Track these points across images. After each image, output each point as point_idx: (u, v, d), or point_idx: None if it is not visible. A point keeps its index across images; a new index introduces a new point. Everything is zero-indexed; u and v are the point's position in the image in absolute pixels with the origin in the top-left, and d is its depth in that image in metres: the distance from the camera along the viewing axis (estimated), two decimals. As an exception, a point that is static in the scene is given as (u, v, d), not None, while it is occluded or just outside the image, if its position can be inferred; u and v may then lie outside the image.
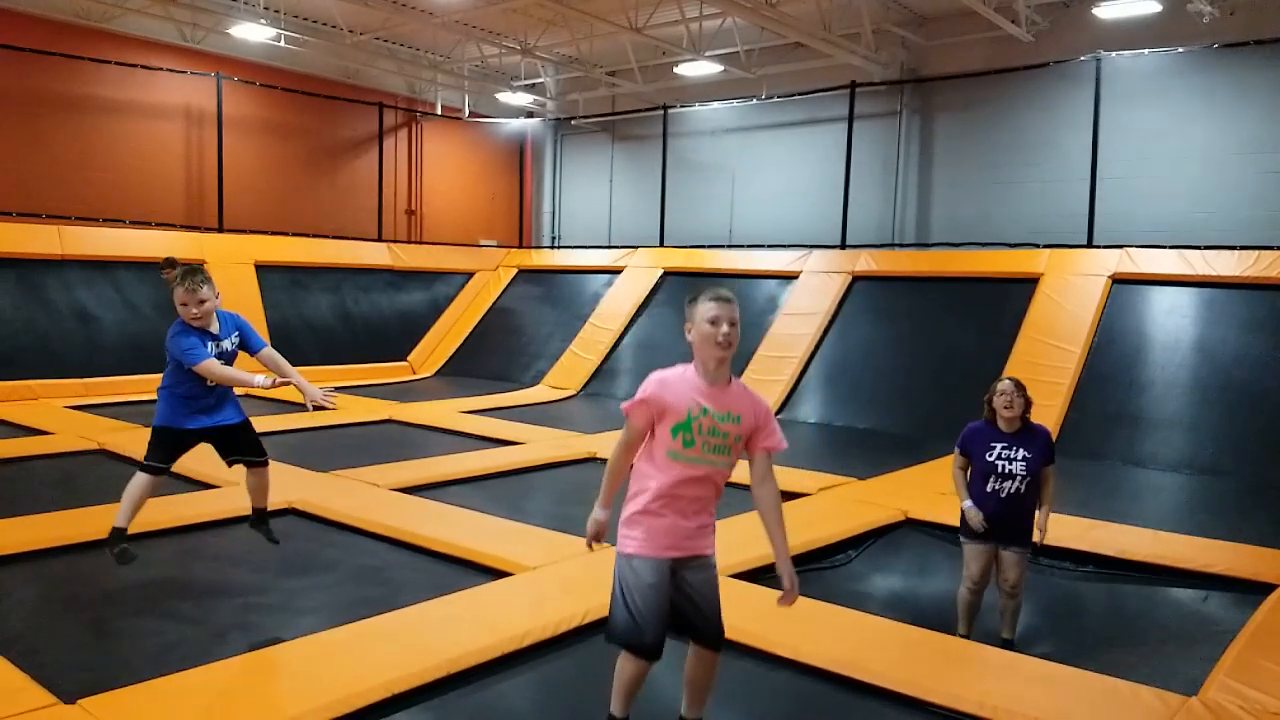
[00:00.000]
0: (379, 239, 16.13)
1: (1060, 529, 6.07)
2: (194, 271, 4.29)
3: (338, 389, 12.24)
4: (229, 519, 5.85)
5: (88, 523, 5.58)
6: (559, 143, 19.26)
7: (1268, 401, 8.75)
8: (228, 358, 4.33)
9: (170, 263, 10.30)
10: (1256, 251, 9.84)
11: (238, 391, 4.57)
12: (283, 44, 14.42)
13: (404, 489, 6.81)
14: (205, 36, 14.30)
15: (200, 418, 4.33)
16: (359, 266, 15.01)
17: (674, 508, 3.15)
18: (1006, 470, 4.60)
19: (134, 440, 7.89)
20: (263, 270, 13.62)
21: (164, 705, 3.39)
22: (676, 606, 3.24)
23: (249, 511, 5.91)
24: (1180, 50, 11.75)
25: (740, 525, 6.07)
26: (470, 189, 18.68)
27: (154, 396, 4.49)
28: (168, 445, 4.23)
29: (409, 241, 16.98)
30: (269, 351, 4.60)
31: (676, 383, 3.14)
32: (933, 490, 7.16)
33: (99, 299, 12.02)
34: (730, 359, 3.18)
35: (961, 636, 4.64)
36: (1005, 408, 4.68)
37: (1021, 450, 4.62)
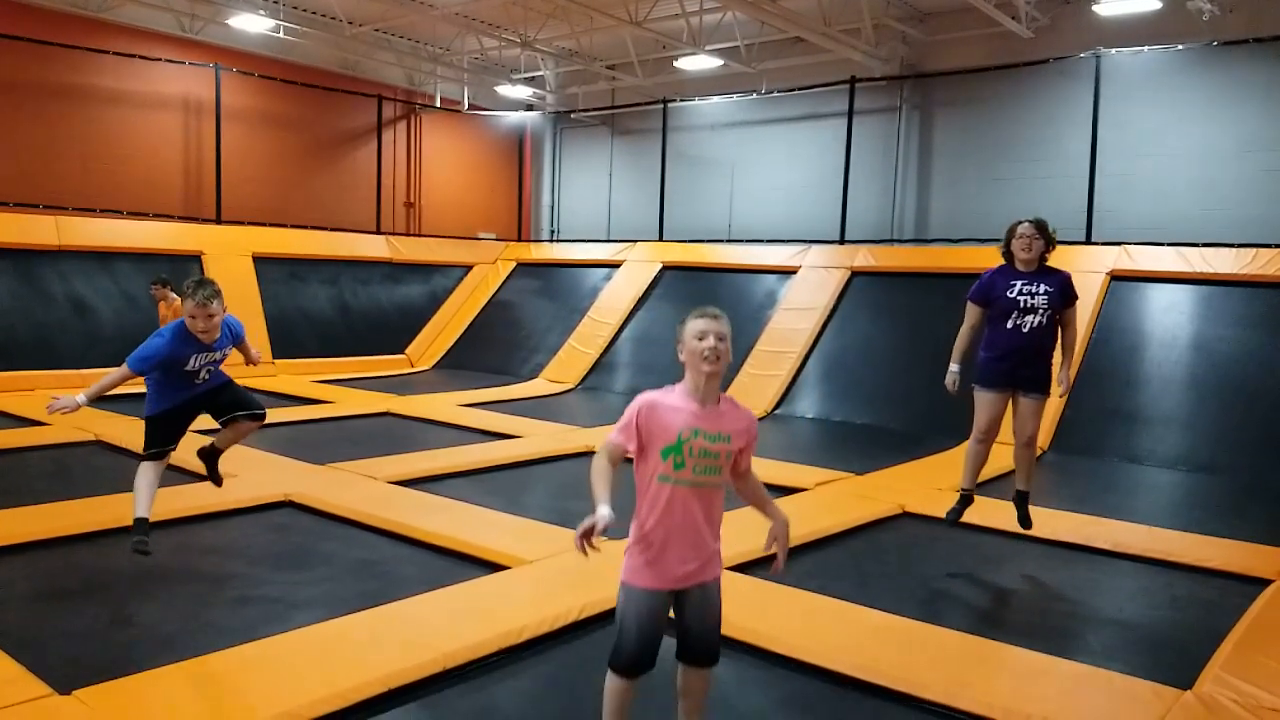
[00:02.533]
0: (377, 231, 16.12)
1: (1056, 523, 6.09)
2: (204, 284, 4.24)
3: (336, 381, 12.29)
4: (226, 511, 5.85)
5: (83, 514, 5.58)
6: (558, 136, 19.24)
7: (1265, 399, 8.77)
8: (215, 364, 4.32)
9: (162, 280, 10.23)
10: (1255, 249, 9.84)
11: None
12: (281, 35, 14.39)
13: (401, 482, 6.80)
14: (204, 27, 14.27)
15: (184, 393, 4.31)
16: (357, 259, 14.99)
17: (673, 534, 3.11)
18: (1029, 304, 4.58)
19: (130, 431, 7.88)
20: (261, 262, 13.60)
21: (159, 697, 3.39)
22: (675, 622, 3.26)
23: (245, 503, 5.93)
24: (1180, 47, 11.75)
25: (736, 519, 6.07)
26: (469, 182, 18.66)
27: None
28: (164, 427, 4.22)
29: (407, 234, 16.97)
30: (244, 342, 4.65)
31: (666, 404, 3.12)
32: (930, 485, 7.17)
33: (96, 290, 12.00)
34: (720, 375, 3.17)
35: (964, 490, 4.63)
36: (1022, 250, 4.66)
37: (1043, 285, 4.61)
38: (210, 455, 4.46)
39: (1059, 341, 5.04)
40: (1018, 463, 4.73)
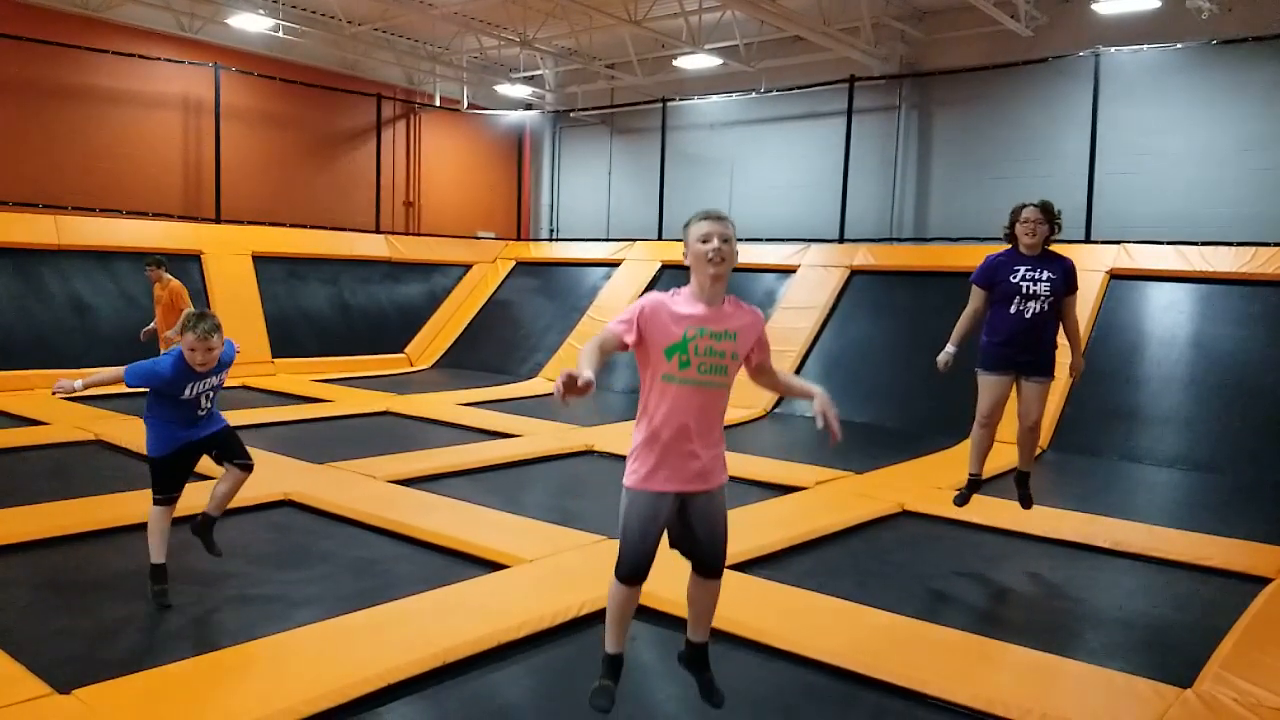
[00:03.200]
0: (377, 230, 16.11)
1: (1056, 522, 6.08)
2: (205, 318, 4.23)
3: (335, 380, 12.28)
4: (225, 510, 5.83)
5: (83, 513, 5.58)
6: (557, 135, 19.24)
7: (1264, 398, 8.76)
8: (213, 391, 4.31)
9: (157, 261, 10.27)
10: (1254, 248, 9.84)
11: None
12: (281, 34, 14.39)
13: (400, 481, 6.80)
14: (203, 26, 14.26)
15: (186, 441, 4.28)
16: (357, 258, 14.99)
17: (676, 437, 3.08)
18: (1031, 291, 4.60)
19: (129, 431, 7.89)
20: (260, 261, 13.59)
21: (159, 696, 3.39)
22: (680, 534, 3.23)
23: (245, 502, 5.91)
24: (1179, 46, 11.75)
25: (736, 517, 6.07)
26: (468, 181, 18.65)
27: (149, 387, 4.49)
28: (165, 472, 4.21)
29: (407, 233, 16.96)
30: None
31: (671, 304, 3.10)
32: (929, 483, 7.18)
33: (95, 289, 11.99)
34: (725, 277, 3.15)
35: (973, 476, 4.63)
36: (1026, 235, 4.67)
37: (1045, 271, 4.62)
38: (205, 528, 4.45)
39: (1061, 327, 5.05)
40: (1020, 445, 4.74)
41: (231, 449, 4.44)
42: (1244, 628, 4.32)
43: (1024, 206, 4.84)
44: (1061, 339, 5.20)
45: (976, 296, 4.92)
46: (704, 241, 3.11)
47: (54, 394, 4.22)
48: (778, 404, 11.01)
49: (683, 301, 3.13)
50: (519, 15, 14.31)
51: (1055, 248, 5.26)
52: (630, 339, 3.08)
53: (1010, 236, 4.80)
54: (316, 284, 14.32)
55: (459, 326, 15.17)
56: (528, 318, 14.91)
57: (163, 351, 9.76)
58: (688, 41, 13.92)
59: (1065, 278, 4.69)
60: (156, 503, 4.17)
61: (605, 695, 3.28)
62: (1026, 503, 5.54)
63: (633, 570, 3.16)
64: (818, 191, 14.77)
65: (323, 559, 5.23)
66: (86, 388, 4.23)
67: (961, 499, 5.59)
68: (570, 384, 2.72)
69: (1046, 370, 4.70)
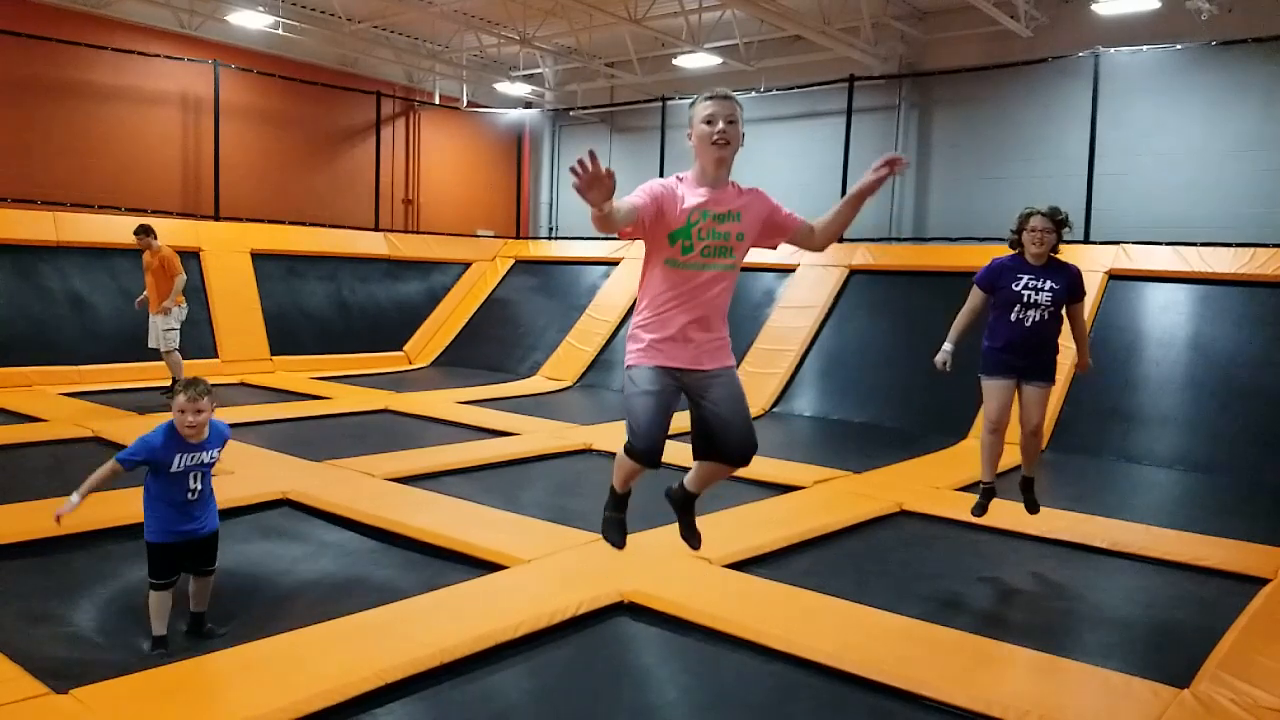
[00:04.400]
0: (376, 228, 16.09)
1: (1054, 522, 6.08)
2: (196, 383, 4.19)
3: (334, 378, 12.28)
4: (224, 509, 5.78)
5: (81, 512, 5.52)
6: (557, 133, 19.23)
7: (1262, 399, 8.77)
8: (204, 470, 4.23)
9: (145, 228, 10.32)
10: (1253, 249, 9.84)
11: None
12: (280, 31, 14.37)
13: (399, 479, 6.80)
14: (202, 23, 14.24)
15: (182, 534, 4.21)
16: (356, 256, 14.97)
17: (677, 318, 3.04)
18: (1032, 300, 4.58)
19: (127, 428, 7.89)
20: (259, 259, 13.57)
21: (157, 696, 3.39)
22: (702, 423, 3.18)
23: (243, 501, 5.92)
24: (1179, 47, 11.74)
25: (734, 517, 6.08)
26: (468, 179, 18.64)
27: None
28: (163, 560, 4.17)
29: (406, 231, 16.95)
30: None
31: (677, 189, 3.04)
32: (928, 483, 7.18)
33: (94, 286, 11.98)
34: (730, 160, 3.09)
35: (985, 485, 4.62)
36: (1034, 244, 4.64)
37: (1049, 281, 4.59)
38: (198, 627, 4.41)
39: (1063, 329, 5.03)
40: (1024, 451, 4.73)
41: (206, 558, 4.33)
42: (1241, 628, 4.33)
43: (1032, 214, 4.78)
44: (1066, 340, 5.17)
45: (975, 297, 4.91)
46: (708, 123, 3.04)
47: (57, 521, 4.11)
48: (776, 403, 11.02)
49: (687, 186, 3.06)
50: (519, 13, 14.30)
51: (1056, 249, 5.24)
52: (649, 213, 2.98)
53: (1016, 242, 4.75)
54: (315, 281, 14.31)
55: (458, 324, 15.16)
56: (527, 316, 14.90)
57: (151, 315, 9.78)
58: (687, 40, 13.91)
59: (1069, 287, 4.65)
60: (156, 588, 4.11)
61: (616, 528, 3.46)
62: (1033, 508, 5.53)
63: (643, 449, 3.09)
64: (817, 191, 14.72)
65: (321, 558, 5.23)
66: (84, 496, 4.14)
67: (980, 509, 5.51)
68: (593, 174, 2.60)
69: (1048, 375, 4.69)
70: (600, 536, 3.72)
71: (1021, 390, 4.66)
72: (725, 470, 3.29)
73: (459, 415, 9.76)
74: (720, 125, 3.00)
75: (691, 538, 3.63)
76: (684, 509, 3.56)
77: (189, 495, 4.12)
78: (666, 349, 3.04)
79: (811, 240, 3.24)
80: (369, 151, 16.66)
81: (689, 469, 3.60)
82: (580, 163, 2.59)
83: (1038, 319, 4.58)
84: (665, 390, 3.05)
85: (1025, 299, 4.58)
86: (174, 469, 4.08)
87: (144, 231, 9.80)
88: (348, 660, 3.66)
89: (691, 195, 3.03)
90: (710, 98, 3.11)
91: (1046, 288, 4.58)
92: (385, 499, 6.18)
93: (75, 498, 4.08)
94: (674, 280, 3.03)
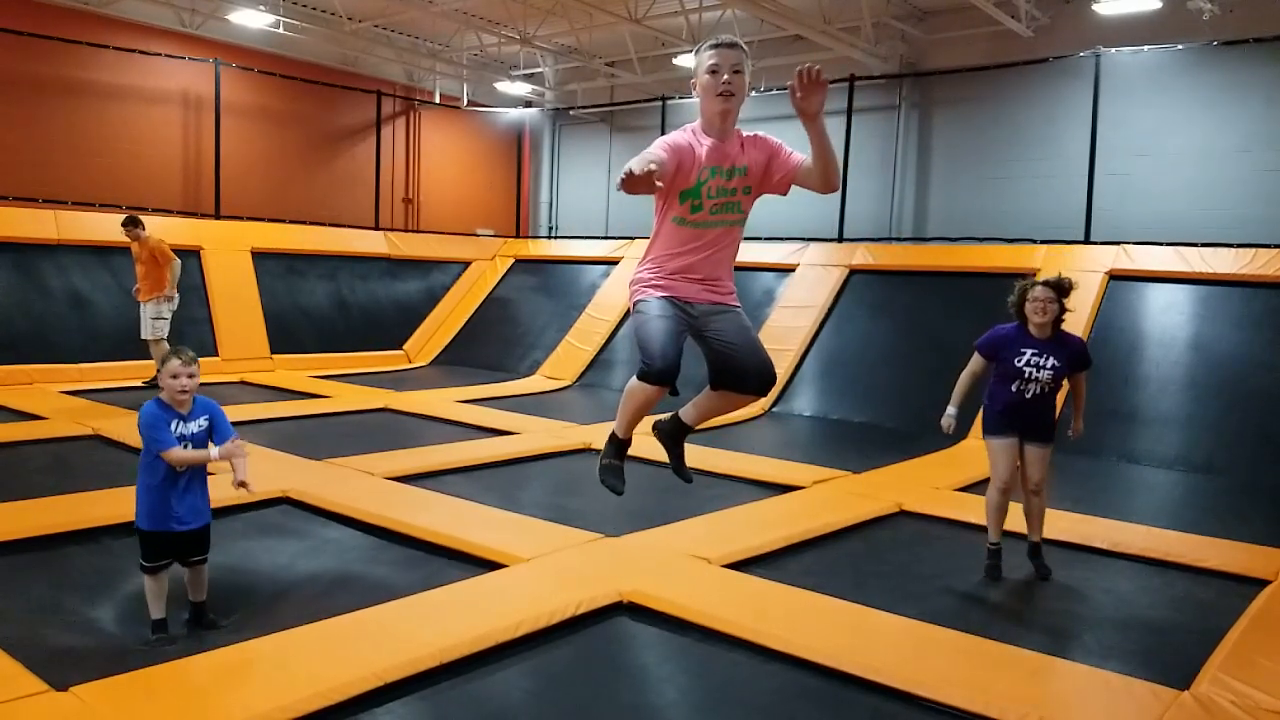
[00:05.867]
0: (376, 227, 16.09)
1: (1054, 522, 6.07)
2: (185, 350, 4.25)
3: (333, 377, 12.28)
4: (223, 507, 5.82)
5: (81, 509, 5.57)
6: (557, 133, 19.23)
7: (1263, 399, 8.76)
8: (195, 441, 4.25)
9: (132, 220, 10.34)
10: (1254, 249, 9.84)
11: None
12: (281, 30, 14.36)
13: (398, 478, 6.80)
14: (204, 22, 14.24)
15: (175, 524, 4.22)
16: (356, 254, 14.96)
17: (682, 269, 3.04)
18: (1034, 376, 4.54)
19: (128, 426, 7.85)
20: (259, 257, 13.57)
21: (156, 693, 3.39)
22: (713, 353, 3.14)
23: (239, 501, 5.90)
24: (1180, 47, 11.74)
25: (734, 517, 6.08)
26: (468, 178, 18.64)
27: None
28: (156, 548, 4.18)
29: (406, 230, 16.94)
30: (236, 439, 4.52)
31: (687, 144, 3.00)
32: (927, 483, 7.18)
33: (94, 284, 11.97)
34: (735, 111, 3.04)
35: (993, 545, 4.60)
36: (1036, 314, 4.58)
37: (1052, 359, 4.54)
38: (199, 617, 4.41)
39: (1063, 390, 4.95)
40: (1028, 513, 4.67)
41: (199, 548, 4.34)
42: (1242, 630, 4.33)
43: (1033, 285, 4.71)
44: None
45: (976, 363, 4.84)
46: (712, 73, 2.97)
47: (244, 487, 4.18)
48: (775, 403, 11.02)
49: (695, 141, 3.02)
50: (519, 13, 14.30)
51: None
52: (670, 168, 2.95)
53: (1018, 312, 4.68)
54: (315, 280, 14.30)
55: (457, 323, 15.15)
56: (526, 315, 14.90)
57: (143, 303, 9.81)
58: (688, 40, 13.91)
59: (1073, 361, 4.58)
60: (150, 571, 4.13)
61: (615, 474, 3.34)
62: (1044, 573, 5.35)
63: (660, 369, 2.99)
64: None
65: (320, 556, 5.23)
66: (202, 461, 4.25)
67: (994, 572, 5.26)
68: (639, 176, 2.69)
69: (1049, 436, 4.66)
70: (600, 536, 3.75)
71: (1023, 449, 4.63)
72: (740, 400, 3.22)
73: (458, 414, 9.75)
74: (725, 75, 2.95)
75: (683, 471, 3.49)
76: (676, 441, 3.42)
77: (179, 469, 4.15)
78: (674, 285, 3.05)
79: (812, 179, 3.20)
80: (369, 150, 16.66)
81: (661, 462, 3.54)
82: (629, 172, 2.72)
83: (1038, 392, 4.55)
84: (675, 316, 3.04)
85: (1027, 374, 4.53)
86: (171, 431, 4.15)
87: (131, 223, 9.81)
88: (347, 659, 3.66)
89: (700, 148, 3.00)
90: (716, 46, 3.01)
91: (1049, 365, 4.50)
92: (384, 497, 6.17)
93: (215, 451, 4.22)
94: (683, 237, 3.03)
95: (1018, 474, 4.61)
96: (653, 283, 3.10)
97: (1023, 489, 4.62)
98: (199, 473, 4.31)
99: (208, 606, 4.29)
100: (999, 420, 4.65)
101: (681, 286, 3.08)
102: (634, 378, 3.13)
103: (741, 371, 3.15)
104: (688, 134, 3.08)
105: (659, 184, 2.67)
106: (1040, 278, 4.76)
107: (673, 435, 3.43)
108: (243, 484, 4.19)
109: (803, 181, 3.20)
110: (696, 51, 3.07)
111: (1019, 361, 4.55)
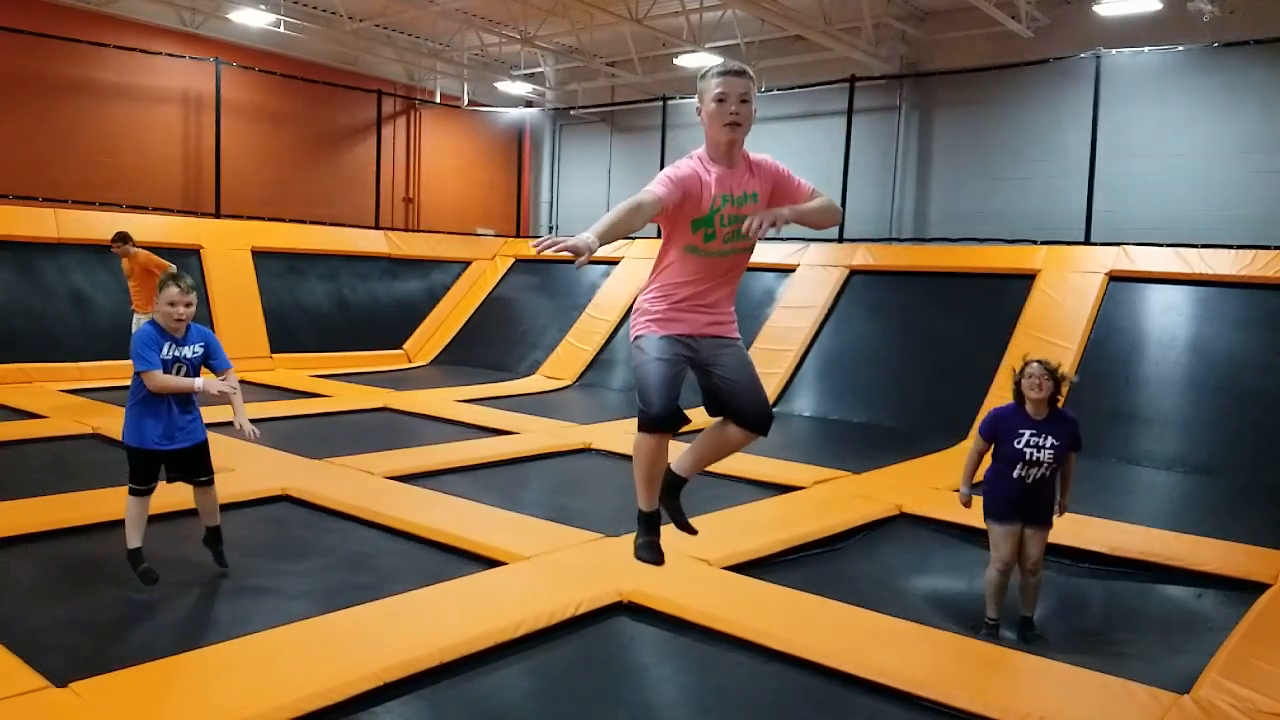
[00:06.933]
0: (376, 226, 16.09)
1: (1053, 525, 6.07)
2: (182, 275, 4.35)
3: (334, 376, 12.29)
4: (223, 505, 5.79)
5: (80, 506, 5.57)
6: (558, 132, 19.22)
7: (1263, 401, 8.76)
8: (189, 366, 4.32)
9: (122, 236, 10.34)
10: (1254, 251, 9.83)
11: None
12: (282, 30, 14.36)
13: (398, 477, 6.80)
14: (204, 21, 14.24)
15: (165, 441, 4.29)
16: (356, 254, 14.96)
17: (690, 298, 3.01)
18: (1035, 458, 4.59)
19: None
20: (259, 256, 13.57)
21: (155, 689, 3.39)
22: (713, 389, 3.11)
23: (242, 497, 5.93)
24: (1180, 48, 11.74)
25: (734, 517, 6.08)
26: (468, 178, 18.63)
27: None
28: (140, 465, 4.24)
29: (406, 229, 16.94)
30: (231, 375, 4.60)
31: (693, 174, 2.96)
32: (927, 484, 7.17)
33: (94, 283, 11.97)
34: (742, 139, 3.00)
35: (990, 621, 4.65)
36: (1032, 390, 4.65)
37: (1050, 438, 4.60)
38: (213, 540, 4.47)
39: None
40: (1023, 589, 4.76)
41: (196, 469, 4.41)
42: (1242, 633, 4.32)
43: (1029, 362, 4.82)
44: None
45: (979, 443, 4.93)
46: (720, 101, 2.93)
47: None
48: (775, 403, 11.00)
49: (704, 169, 2.98)
50: (520, 12, 14.29)
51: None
52: (674, 200, 2.91)
53: (1016, 392, 4.78)
54: (316, 279, 14.30)
55: (458, 323, 15.15)
56: (526, 315, 14.90)
57: (136, 314, 9.81)
58: (688, 40, 13.90)
59: (1070, 441, 4.69)
60: (133, 492, 4.20)
61: (652, 549, 3.25)
62: (1033, 641, 5.40)
63: (657, 414, 2.97)
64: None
65: (320, 554, 5.23)
66: (196, 389, 4.36)
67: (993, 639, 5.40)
68: (579, 248, 2.63)
69: (1048, 520, 4.76)
70: (600, 536, 3.74)
71: (1023, 530, 4.71)
72: (737, 441, 3.19)
73: (458, 414, 9.75)
74: (733, 106, 2.92)
75: (686, 525, 3.42)
76: (672, 494, 3.35)
77: (156, 392, 4.22)
78: (675, 319, 3.02)
79: (810, 221, 3.18)
80: (370, 150, 16.66)
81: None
82: (567, 248, 2.63)
83: (1039, 476, 4.62)
84: (676, 359, 3.01)
85: (1028, 456, 4.61)
86: (162, 357, 4.22)
87: (121, 239, 9.65)
88: (346, 658, 3.66)
89: (710, 177, 2.96)
90: (725, 73, 2.97)
91: (1048, 444, 4.59)
92: (384, 497, 6.17)
93: (203, 381, 4.31)
94: (694, 266, 2.99)
95: (1017, 554, 4.68)
96: (657, 316, 3.05)
97: (1020, 566, 4.69)
98: (187, 396, 4.39)
99: (222, 534, 4.39)
100: (1002, 508, 4.71)
101: (688, 317, 3.04)
102: (636, 436, 3.11)
103: (740, 410, 3.13)
104: (694, 162, 3.04)
105: (578, 265, 2.65)
106: (1034, 358, 4.84)
107: (668, 489, 3.35)
108: (243, 429, 4.29)
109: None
110: (703, 76, 3.02)
111: (1018, 443, 4.63)
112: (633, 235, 15.47)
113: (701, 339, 3.07)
